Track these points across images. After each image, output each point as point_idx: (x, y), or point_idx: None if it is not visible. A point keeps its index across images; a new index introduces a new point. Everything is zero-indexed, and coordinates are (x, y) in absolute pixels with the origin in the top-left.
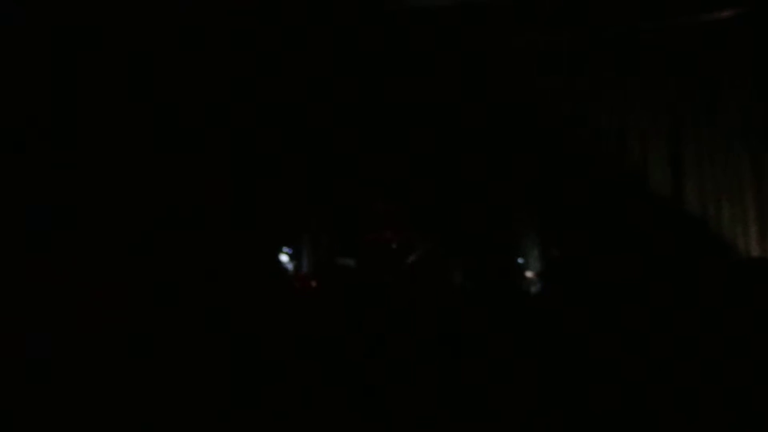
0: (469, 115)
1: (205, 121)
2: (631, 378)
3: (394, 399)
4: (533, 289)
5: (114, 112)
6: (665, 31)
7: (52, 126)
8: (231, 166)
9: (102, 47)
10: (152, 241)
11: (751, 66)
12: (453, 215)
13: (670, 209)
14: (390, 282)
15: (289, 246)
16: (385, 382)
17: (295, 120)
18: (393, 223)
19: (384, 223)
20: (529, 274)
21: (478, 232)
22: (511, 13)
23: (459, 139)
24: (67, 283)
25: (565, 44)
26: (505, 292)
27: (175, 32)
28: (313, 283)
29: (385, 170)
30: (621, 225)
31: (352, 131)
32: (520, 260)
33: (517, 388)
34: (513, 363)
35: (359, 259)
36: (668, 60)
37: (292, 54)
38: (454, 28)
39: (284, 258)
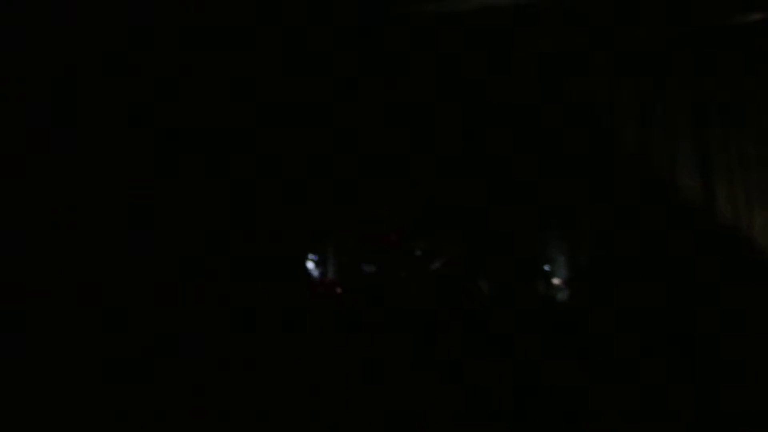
0: (494, 120)
1: (225, 123)
2: (660, 384)
3: (418, 405)
4: (560, 296)
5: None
6: (692, 34)
7: (53, 126)
8: (253, 172)
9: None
10: (173, 246)
11: None
12: (478, 221)
13: (700, 216)
14: (415, 288)
15: (314, 252)
16: (409, 388)
17: (320, 123)
18: (396, 226)
19: (387, 225)
20: (555, 281)
21: (503, 239)
22: (531, 16)
23: (484, 145)
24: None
25: (589, 47)
26: (530, 298)
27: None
28: (339, 290)
29: (409, 175)
30: (649, 232)
31: (377, 134)
32: (546, 267)
33: (541, 393)
34: (538, 368)
35: (383, 266)
36: (696, 63)
37: (316, 55)
38: (474, 32)
39: (310, 264)
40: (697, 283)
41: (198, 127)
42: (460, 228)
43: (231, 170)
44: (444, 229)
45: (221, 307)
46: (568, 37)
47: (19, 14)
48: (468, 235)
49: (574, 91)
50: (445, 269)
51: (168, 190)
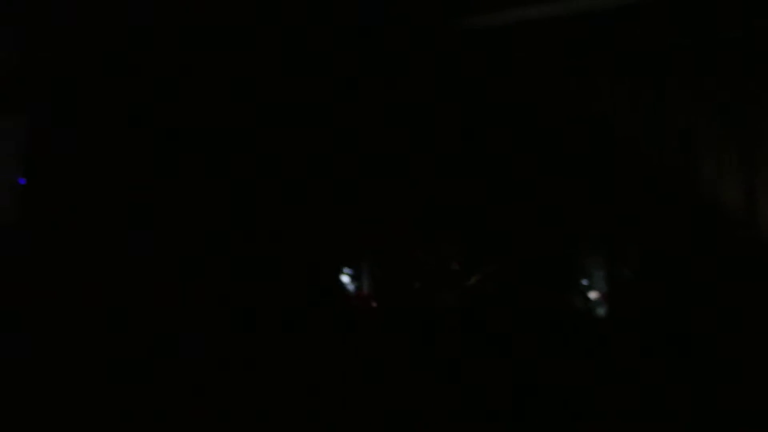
0: (534, 134)
1: (225, 123)
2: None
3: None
4: (599, 311)
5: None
6: (731, 39)
7: (53, 126)
8: (254, 172)
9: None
10: (173, 246)
11: None
12: (516, 235)
13: (744, 225)
14: (452, 303)
15: (350, 266)
16: (444, 402)
17: (321, 123)
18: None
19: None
20: (593, 295)
21: (541, 252)
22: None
23: (522, 162)
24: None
25: (630, 53)
26: (569, 314)
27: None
28: (374, 304)
29: (447, 191)
30: (691, 242)
31: (414, 151)
32: (584, 281)
33: (580, 412)
34: (577, 385)
35: (420, 280)
36: (733, 69)
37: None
38: (474, 32)
39: (345, 278)
40: (744, 298)
41: (198, 127)
42: (498, 243)
43: (231, 170)
44: (479, 243)
45: (224, 307)
46: (569, 37)
47: (19, 14)
48: (503, 250)
49: (611, 101)
50: (482, 285)
51: (168, 190)
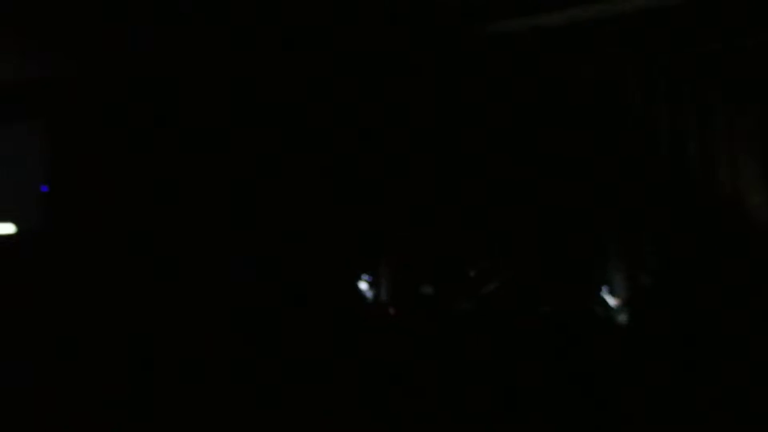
0: (552, 142)
1: (225, 123)
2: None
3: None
4: (618, 317)
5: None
6: (754, 50)
7: (53, 126)
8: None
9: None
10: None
11: None
12: (532, 241)
13: (763, 228)
14: (469, 310)
15: (368, 273)
16: (459, 407)
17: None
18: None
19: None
20: (613, 301)
21: (558, 259)
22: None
23: (540, 166)
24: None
25: (649, 68)
26: (587, 320)
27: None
28: (392, 311)
29: (465, 197)
30: (713, 252)
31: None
32: (604, 287)
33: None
34: (595, 392)
35: (437, 287)
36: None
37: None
38: (534, 54)
39: (364, 285)
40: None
41: (215, 129)
42: (514, 249)
43: (240, 172)
44: (498, 250)
45: (228, 310)
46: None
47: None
48: (522, 256)
49: (632, 114)
50: (498, 292)
51: (187, 192)
